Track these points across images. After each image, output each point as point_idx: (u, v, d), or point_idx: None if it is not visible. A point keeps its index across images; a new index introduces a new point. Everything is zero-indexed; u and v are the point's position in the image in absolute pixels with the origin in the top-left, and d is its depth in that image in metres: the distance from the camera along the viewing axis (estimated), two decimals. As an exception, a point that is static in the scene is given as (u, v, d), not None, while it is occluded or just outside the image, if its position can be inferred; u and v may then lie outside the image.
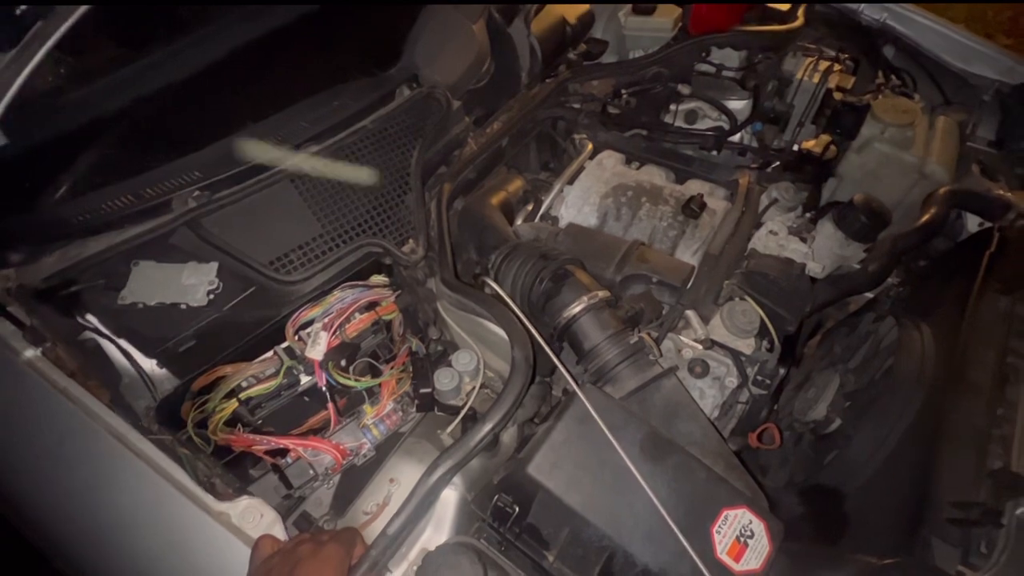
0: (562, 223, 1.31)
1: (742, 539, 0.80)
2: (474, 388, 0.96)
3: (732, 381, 1.11)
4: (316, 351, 0.87)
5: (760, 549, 0.80)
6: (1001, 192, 1.36)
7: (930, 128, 1.45)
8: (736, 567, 0.78)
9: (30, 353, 0.85)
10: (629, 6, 1.74)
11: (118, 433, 0.77)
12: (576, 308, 0.98)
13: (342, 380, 0.87)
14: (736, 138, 1.54)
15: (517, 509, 0.82)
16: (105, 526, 0.77)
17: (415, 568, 0.78)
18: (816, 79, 1.47)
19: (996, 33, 3.93)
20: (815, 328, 1.47)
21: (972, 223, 1.45)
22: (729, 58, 1.54)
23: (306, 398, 0.95)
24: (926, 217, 1.29)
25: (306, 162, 1.06)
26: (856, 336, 1.41)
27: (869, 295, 1.48)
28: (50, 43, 0.87)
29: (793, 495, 1.22)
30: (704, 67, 1.57)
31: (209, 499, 0.74)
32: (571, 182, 1.36)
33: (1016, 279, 1.17)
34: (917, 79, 1.62)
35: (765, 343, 1.18)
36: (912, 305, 1.35)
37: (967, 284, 1.20)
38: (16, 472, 0.83)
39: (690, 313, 1.13)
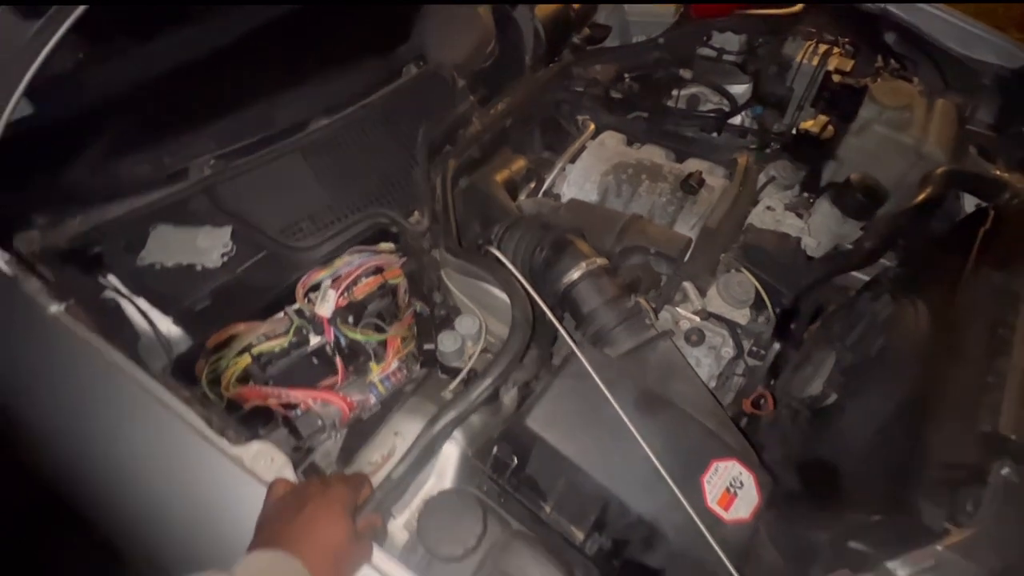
0: (564, 200, 1.35)
1: (732, 489, 0.83)
2: (476, 351, 0.99)
3: (728, 351, 1.14)
4: (325, 308, 0.91)
5: (749, 499, 0.83)
6: (998, 173, 1.38)
7: (928, 111, 1.47)
8: (725, 516, 0.81)
9: (55, 308, 0.89)
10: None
11: (136, 380, 0.81)
12: (575, 274, 1.01)
13: (350, 334, 0.91)
14: (737, 122, 1.57)
15: (515, 460, 0.86)
16: (124, 466, 0.82)
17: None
18: (815, 62, 1.50)
19: (1008, 27, 3.92)
20: (816, 313, 1.49)
21: (970, 205, 1.47)
22: (730, 42, 1.57)
23: (315, 359, 0.99)
24: (922, 196, 1.31)
25: (316, 135, 1.11)
26: (854, 315, 1.43)
27: (865, 277, 1.50)
28: (75, 15, 0.91)
29: (790, 470, 1.24)
30: (705, 51, 1.60)
31: (224, 443, 0.78)
32: (573, 161, 1.39)
33: (1009, 255, 1.19)
34: (919, 64, 1.64)
35: (762, 317, 1.21)
36: (909, 284, 1.37)
37: (962, 262, 1.23)
38: (42, 415, 0.87)
39: (687, 285, 1.16)
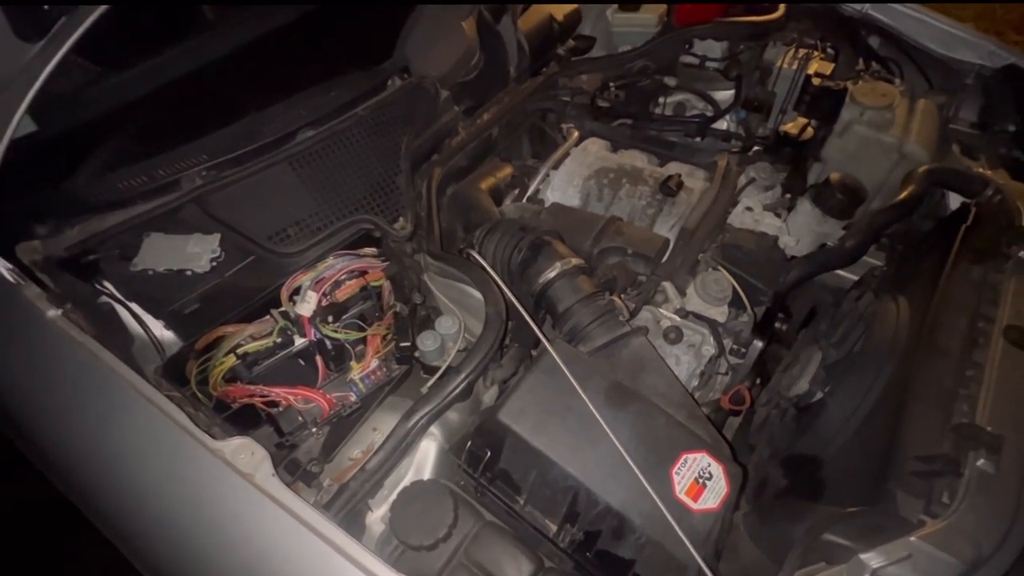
0: (547, 205, 1.38)
1: (700, 480, 0.84)
2: (455, 350, 1.02)
3: (708, 349, 1.15)
4: (305, 308, 0.94)
5: (718, 490, 0.84)
6: (981, 170, 1.39)
7: (910, 111, 1.49)
8: (694, 506, 0.82)
9: (53, 313, 0.94)
10: (616, 4, 1.82)
11: (127, 379, 0.85)
12: (551, 274, 1.04)
13: (329, 333, 0.95)
14: (723, 126, 1.60)
15: (488, 453, 0.88)
16: (116, 462, 0.85)
17: (393, 505, 0.83)
18: (795, 66, 1.52)
19: (1006, 30, 3.92)
20: (809, 316, 1.50)
21: (955, 203, 1.47)
22: (712, 49, 1.61)
23: (301, 361, 1.02)
24: (904, 194, 1.33)
25: (303, 146, 1.15)
26: (839, 313, 1.44)
27: (855, 277, 1.51)
28: (74, 37, 0.97)
29: (776, 467, 1.25)
30: (688, 59, 1.64)
31: (206, 438, 0.82)
32: (556, 167, 1.42)
33: (990, 249, 1.20)
34: (903, 67, 1.66)
35: (743, 315, 1.22)
36: (892, 281, 1.37)
37: (944, 258, 1.23)
38: (41, 414, 0.92)
39: (667, 284, 1.18)
